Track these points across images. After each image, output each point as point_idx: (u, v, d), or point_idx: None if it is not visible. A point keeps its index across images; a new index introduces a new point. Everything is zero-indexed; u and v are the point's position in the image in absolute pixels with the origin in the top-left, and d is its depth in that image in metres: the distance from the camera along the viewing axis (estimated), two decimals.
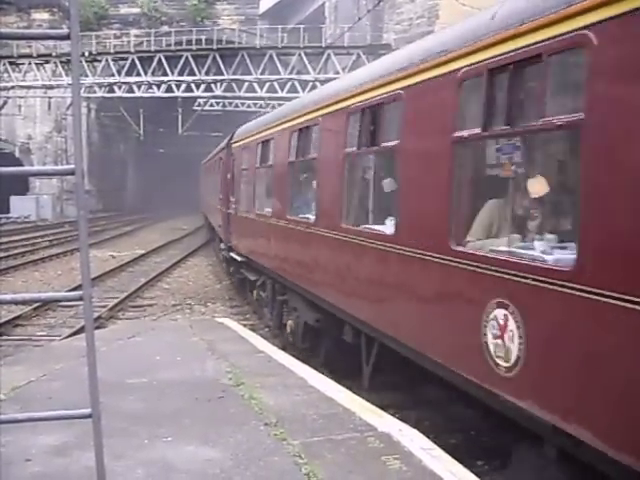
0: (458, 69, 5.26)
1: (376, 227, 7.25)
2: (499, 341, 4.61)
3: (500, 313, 4.62)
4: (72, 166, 2.00)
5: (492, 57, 4.81)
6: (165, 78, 38.86)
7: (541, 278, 4.22)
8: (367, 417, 5.59)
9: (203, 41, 39.33)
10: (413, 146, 6.28)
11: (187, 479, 4.37)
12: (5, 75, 39.48)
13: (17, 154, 50.79)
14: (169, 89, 39.63)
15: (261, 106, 43.09)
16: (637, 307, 3.46)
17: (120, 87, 40.14)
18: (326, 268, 8.72)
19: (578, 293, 3.86)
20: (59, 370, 7.35)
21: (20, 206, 46.20)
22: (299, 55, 36.40)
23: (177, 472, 4.48)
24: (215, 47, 38.40)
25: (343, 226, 7.91)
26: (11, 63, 39.26)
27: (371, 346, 7.36)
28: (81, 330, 12.20)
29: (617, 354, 3.69)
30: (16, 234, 34.77)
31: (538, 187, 4.86)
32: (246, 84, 38.19)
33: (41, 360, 8.13)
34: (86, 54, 37.75)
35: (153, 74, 38.80)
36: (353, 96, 7.62)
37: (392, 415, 6.02)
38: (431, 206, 5.81)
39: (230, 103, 48.01)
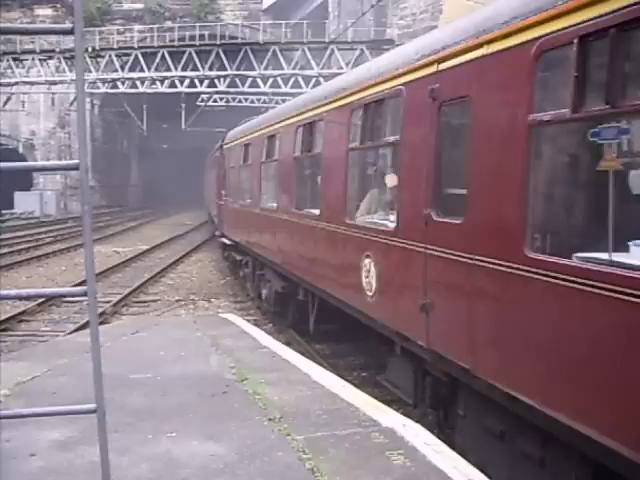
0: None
1: (312, 210, 9.95)
2: (367, 279, 7.37)
3: (367, 261, 7.39)
4: (76, 161, 2.00)
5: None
6: (168, 74, 38.82)
7: (383, 238, 7.03)
8: (371, 412, 5.59)
9: (206, 36, 39.31)
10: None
11: (191, 474, 4.37)
12: (9, 71, 39.47)
13: (21, 150, 50.85)
14: (172, 84, 39.58)
15: (265, 101, 43.03)
16: (414, 246, 6.25)
17: (123, 83, 40.11)
18: (286, 245, 11.69)
19: (394, 244, 6.73)
20: (63, 365, 7.36)
21: (24, 202, 46.27)
22: (302, 50, 36.35)
23: (181, 467, 4.48)
24: (218, 42, 38.35)
25: (294, 211, 10.81)
26: (14, 59, 39.24)
27: (314, 300, 10.49)
28: (85, 325, 12.23)
29: (413, 275, 6.34)
30: (20, 230, 34.85)
31: (390, 181, 7.28)
32: (249, 79, 38.12)
33: (45, 355, 8.14)
34: (89, 50, 37.75)
35: (156, 70, 38.76)
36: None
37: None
38: (336, 194, 8.79)
39: (234, 98, 47.95)
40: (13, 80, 39.79)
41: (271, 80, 37.35)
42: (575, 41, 3.97)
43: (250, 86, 38.58)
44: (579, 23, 3.98)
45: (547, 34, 4.26)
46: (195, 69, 38.15)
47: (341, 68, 32.31)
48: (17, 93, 43.67)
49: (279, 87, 37.11)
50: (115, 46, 40.28)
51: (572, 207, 4.91)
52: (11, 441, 4.78)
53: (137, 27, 45.65)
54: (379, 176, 8.06)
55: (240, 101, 47.63)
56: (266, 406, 5.79)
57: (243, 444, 4.89)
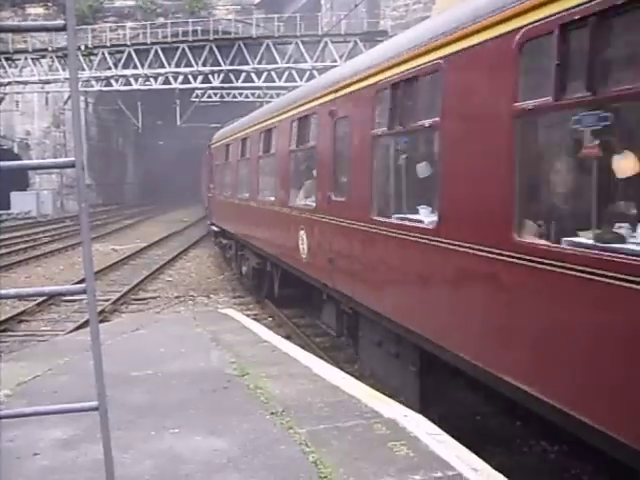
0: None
1: (270, 198, 12.83)
2: (302, 246, 10.11)
3: (302, 232, 10.14)
4: (72, 159, 2.00)
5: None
6: (162, 70, 38.76)
7: (309, 215, 9.75)
8: (373, 404, 5.60)
9: (199, 32, 39.25)
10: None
11: (195, 469, 4.38)
12: (1, 71, 39.40)
13: (16, 150, 50.76)
14: (166, 81, 39.52)
15: (259, 96, 42.99)
16: (323, 218, 9.05)
17: (117, 80, 40.03)
18: (256, 228, 14.45)
19: (314, 218, 9.41)
20: (64, 364, 7.37)
21: (21, 202, 46.21)
22: (296, 44, 36.29)
23: (185, 463, 4.49)
24: (211, 38, 38.29)
25: (259, 199, 13.82)
26: (7, 59, 39.17)
27: (277, 270, 13.24)
28: (85, 324, 12.23)
29: (325, 239, 9.03)
30: (17, 230, 34.81)
31: (314, 174, 9.80)
32: (243, 74, 38.07)
33: (46, 355, 8.15)
34: (82, 48, 37.66)
35: (150, 66, 38.69)
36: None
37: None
38: (283, 184, 11.72)
39: (228, 94, 47.92)
40: (6, 80, 39.71)
41: (265, 74, 37.32)
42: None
43: (244, 81, 38.53)
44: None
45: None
46: (189, 65, 38.10)
47: (335, 61, 32.27)
48: (11, 93, 43.61)
49: (273, 81, 37.07)
50: (108, 44, 40.18)
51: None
52: (14, 441, 4.79)
53: (129, 24, 45.55)
54: (309, 171, 10.54)
55: (234, 96, 47.60)
56: (268, 400, 5.80)
57: (246, 438, 4.90)
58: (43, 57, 39.34)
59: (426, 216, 6.21)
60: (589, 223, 4.11)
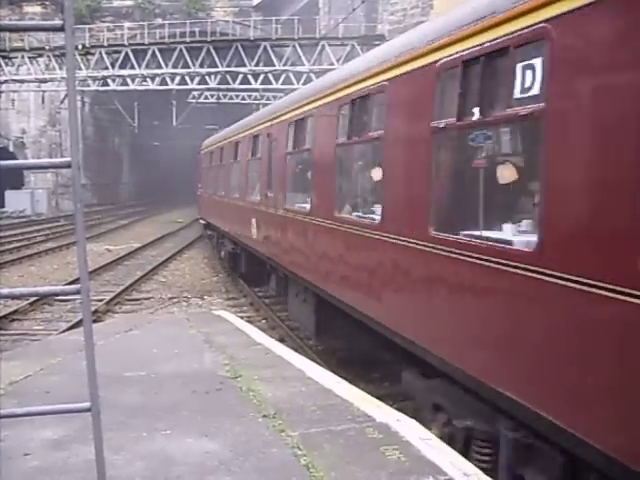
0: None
1: (235, 194, 17.02)
2: (254, 229, 14.02)
3: (253, 220, 14.13)
4: (68, 159, 1.99)
5: None
6: (159, 71, 38.73)
7: (257, 207, 13.59)
8: (365, 408, 5.60)
9: (197, 33, 39.22)
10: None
11: (186, 471, 4.37)
12: None
13: (11, 148, 50.60)
14: (163, 82, 39.50)
15: (256, 98, 43.02)
16: (262, 207, 13.43)
17: (114, 80, 39.98)
18: (228, 219, 18.69)
19: (260, 209, 13.39)
20: (56, 364, 7.35)
21: (15, 201, 46.04)
22: (293, 46, 36.33)
23: (176, 464, 4.48)
24: (209, 39, 38.29)
25: (230, 196, 17.74)
26: (4, 57, 39.06)
27: (244, 253, 17.04)
28: (78, 324, 12.20)
29: (262, 221, 13.42)
30: (11, 229, 34.71)
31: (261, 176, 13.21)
32: (240, 76, 38.07)
33: (38, 354, 8.12)
34: (79, 47, 37.59)
35: (147, 67, 38.66)
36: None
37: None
38: (242, 184, 15.99)
39: (225, 95, 47.94)
40: (3, 78, 39.61)
41: (262, 76, 37.34)
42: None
43: (241, 83, 38.55)
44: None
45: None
46: (186, 66, 38.08)
47: (332, 64, 32.31)
48: (7, 91, 43.48)
49: (270, 83, 37.12)
50: (105, 43, 40.13)
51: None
52: (5, 441, 4.77)
53: (127, 24, 45.48)
54: (259, 175, 13.86)
55: (231, 98, 47.64)
56: (260, 403, 5.79)
57: (238, 441, 4.89)
58: (40, 56, 39.26)
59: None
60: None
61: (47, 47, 38.66)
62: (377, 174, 7.20)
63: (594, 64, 3.92)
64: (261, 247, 13.56)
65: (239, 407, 5.72)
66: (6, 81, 39.98)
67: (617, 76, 3.76)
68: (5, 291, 2.13)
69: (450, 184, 5.97)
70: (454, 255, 5.22)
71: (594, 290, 3.68)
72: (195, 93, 46.94)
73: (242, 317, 12.38)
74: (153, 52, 38.32)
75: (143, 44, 39.42)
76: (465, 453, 5.05)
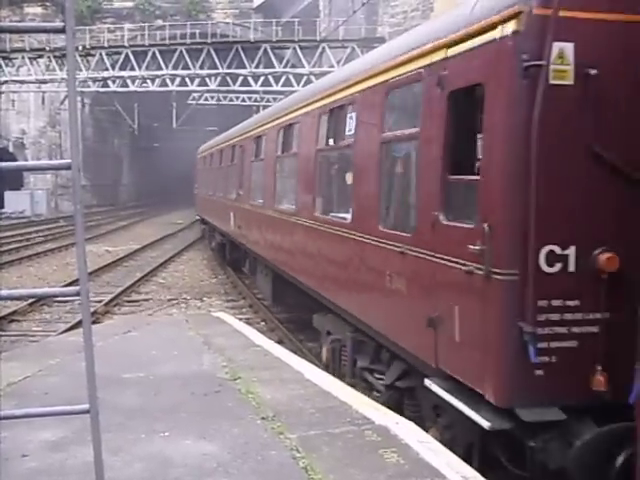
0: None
1: (219, 193, 20.68)
2: (232, 221, 17.67)
3: (231, 213, 17.61)
4: (68, 161, 1.99)
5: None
6: (159, 72, 38.77)
7: (236, 203, 16.65)
8: (364, 410, 5.60)
9: (197, 35, 39.25)
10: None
11: (184, 473, 4.37)
12: None
13: (11, 149, 50.61)
14: (163, 83, 39.52)
15: (256, 100, 43.03)
16: (238, 203, 16.73)
17: (114, 81, 40.01)
18: (216, 214, 21.81)
19: (234, 204, 16.97)
20: (55, 365, 7.34)
21: (14, 201, 46.05)
22: (293, 49, 36.37)
23: (174, 466, 4.48)
24: (209, 41, 38.32)
25: (216, 194, 21.14)
26: (4, 58, 39.09)
27: (228, 243, 20.16)
28: (77, 325, 12.19)
29: (235, 214, 17.22)
30: (11, 229, 34.68)
31: (236, 178, 16.79)
32: (240, 78, 38.11)
33: (37, 355, 8.11)
34: (80, 48, 37.64)
35: (147, 68, 38.70)
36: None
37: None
38: (226, 185, 19.18)
39: (225, 97, 47.93)
40: (3, 79, 39.63)
41: (262, 78, 37.37)
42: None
43: (241, 84, 38.58)
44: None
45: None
46: (186, 67, 38.12)
47: (332, 66, 32.33)
48: (7, 92, 43.49)
49: (270, 85, 37.14)
50: (105, 45, 40.19)
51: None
52: (3, 442, 4.76)
53: (127, 25, 45.49)
54: (235, 176, 16.95)
55: (231, 100, 47.62)
56: (259, 405, 5.79)
57: (236, 443, 4.89)
58: (40, 57, 39.30)
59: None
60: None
61: (47, 48, 38.68)
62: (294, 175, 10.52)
63: (365, 120, 7.27)
64: (236, 236, 17.31)
65: (238, 409, 5.71)
66: (6, 82, 40.01)
67: (371, 128, 7.06)
68: (4, 292, 2.13)
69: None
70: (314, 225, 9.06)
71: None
72: (195, 95, 46.94)
73: (241, 319, 12.37)
74: (153, 53, 38.35)
75: (143, 45, 39.46)
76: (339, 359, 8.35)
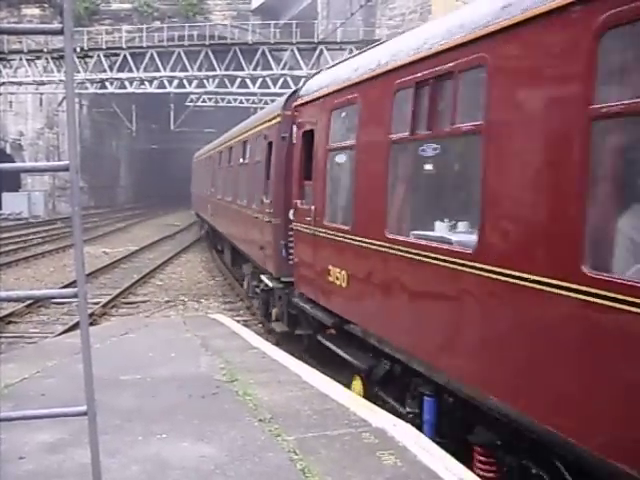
0: None
1: (204, 191, 26.62)
2: (209, 211, 24.84)
3: (209, 205, 24.88)
4: (66, 162, 1.99)
5: None
6: (157, 74, 38.74)
7: (210, 198, 23.72)
8: (361, 413, 5.60)
9: (195, 37, 39.23)
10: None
11: (182, 475, 4.36)
12: None
13: (8, 150, 50.56)
14: (161, 85, 39.49)
15: (254, 102, 43.03)
16: (218, 199, 21.07)
17: (112, 83, 39.97)
18: (202, 208, 28.28)
19: (211, 199, 23.23)
20: (52, 367, 7.34)
21: (12, 203, 45.94)
22: (291, 51, 36.36)
23: (172, 468, 4.47)
24: (207, 43, 38.30)
25: (202, 192, 27.73)
26: (1, 59, 39.03)
27: (212, 231, 25.39)
28: (74, 327, 12.18)
29: (210, 206, 24.13)
30: (8, 231, 34.60)
31: (214, 179, 22.81)
32: (238, 80, 38.09)
33: (34, 357, 8.11)
34: (78, 50, 37.58)
35: (145, 70, 38.67)
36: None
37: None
38: (210, 184, 23.90)
39: (223, 99, 47.93)
40: (0, 80, 39.56)
41: (260, 80, 37.34)
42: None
43: (239, 86, 38.56)
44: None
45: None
46: (184, 69, 38.09)
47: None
48: (4, 93, 43.42)
49: (268, 87, 37.11)
50: (103, 46, 40.12)
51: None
52: (0, 444, 4.75)
53: (125, 27, 45.43)
54: (212, 178, 22.50)
55: (229, 101, 47.62)
56: (256, 407, 5.79)
57: (234, 445, 4.89)
58: (38, 58, 39.24)
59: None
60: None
61: (45, 49, 38.65)
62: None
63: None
64: (214, 224, 23.24)
65: (235, 411, 5.71)
66: (4, 83, 39.94)
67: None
68: (2, 294, 2.13)
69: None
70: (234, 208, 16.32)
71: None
72: (193, 97, 46.95)
73: (238, 321, 12.37)
74: (151, 55, 38.32)
75: (141, 47, 39.42)
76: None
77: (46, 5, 50.45)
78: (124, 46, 39.75)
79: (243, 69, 36.84)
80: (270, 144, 11.85)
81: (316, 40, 36.22)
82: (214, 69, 37.53)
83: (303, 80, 12.29)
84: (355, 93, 7.31)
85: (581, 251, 3.76)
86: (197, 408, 5.82)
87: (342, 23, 30.73)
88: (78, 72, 37.53)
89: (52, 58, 38.35)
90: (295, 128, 9.89)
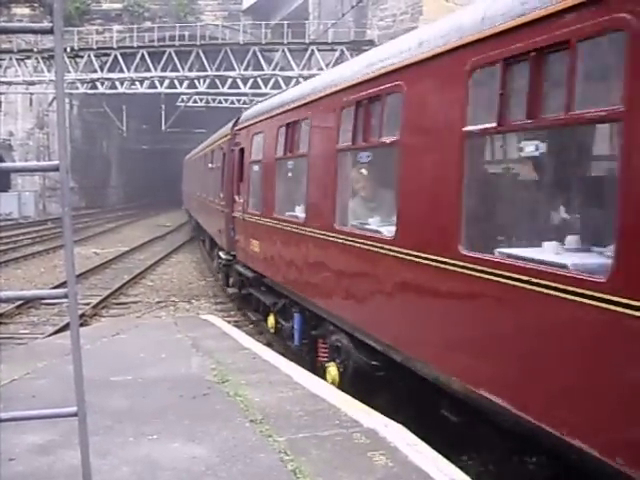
0: None
1: (196, 193, 26.96)
2: (193, 204, 30.60)
3: (194, 203, 30.26)
4: (56, 162, 1.98)
5: None
6: (148, 74, 38.67)
7: (198, 197, 25.64)
8: (352, 413, 5.60)
9: (186, 37, 39.20)
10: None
11: (173, 476, 4.35)
12: None
13: None
14: (152, 85, 39.42)
15: (245, 102, 42.96)
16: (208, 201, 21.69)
17: (103, 83, 39.87)
18: (191, 204, 31.93)
19: (199, 198, 25.27)
20: (43, 368, 7.30)
21: (2, 203, 45.67)
22: (283, 51, 36.39)
23: (162, 470, 4.46)
24: (198, 43, 38.28)
25: (192, 191, 30.67)
26: None
27: (197, 225, 28.11)
28: (64, 328, 12.13)
29: (200, 205, 25.73)
30: None
31: (202, 182, 24.41)
32: (230, 80, 38.07)
33: (24, 358, 8.07)
34: (68, 50, 37.49)
35: (136, 70, 38.60)
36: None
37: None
38: (199, 186, 25.64)
39: (214, 99, 47.83)
40: None
41: (251, 81, 37.34)
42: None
43: (230, 87, 38.53)
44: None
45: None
46: (175, 70, 38.04)
47: (321, 69, 32.33)
48: None
49: (259, 88, 37.09)
50: (94, 46, 40.07)
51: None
52: None
53: (116, 27, 45.38)
54: (201, 181, 24.03)
55: (220, 102, 47.52)
56: (247, 408, 5.78)
57: (225, 446, 4.88)
58: (28, 58, 39.11)
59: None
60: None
61: (35, 49, 38.54)
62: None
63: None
64: (195, 216, 28.16)
65: (226, 412, 5.70)
66: None
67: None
68: None
69: None
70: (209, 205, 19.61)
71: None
72: (184, 97, 46.82)
73: (229, 321, 12.36)
74: (142, 55, 38.26)
75: (132, 47, 39.35)
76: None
77: (36, 4, 50.20)
78: (115, 46, 39.68)
79: (234, 69, 36.84)
80: (224, 154, 15.78)
81: (307, 41, 36.27)
82: (205, 69, 37.50)
83: (243, 111, 15.83)
84: (260, 127, 11.11)
85: (459, 235, 4.80)
86: (188, 409, 5.80)
87: (333, 24, 30.79)
88: (68, 72, 37.42)
89: (42, 58, 38.23)
90: (234, 145, 13.88)
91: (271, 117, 10.19)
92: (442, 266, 4.97)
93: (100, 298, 15.93)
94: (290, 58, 35.91)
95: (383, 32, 33.80)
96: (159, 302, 16.29)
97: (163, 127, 49.30)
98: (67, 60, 37.39)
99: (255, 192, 11.66)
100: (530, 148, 4.73)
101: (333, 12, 36.46)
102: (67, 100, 46.59)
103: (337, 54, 34.47)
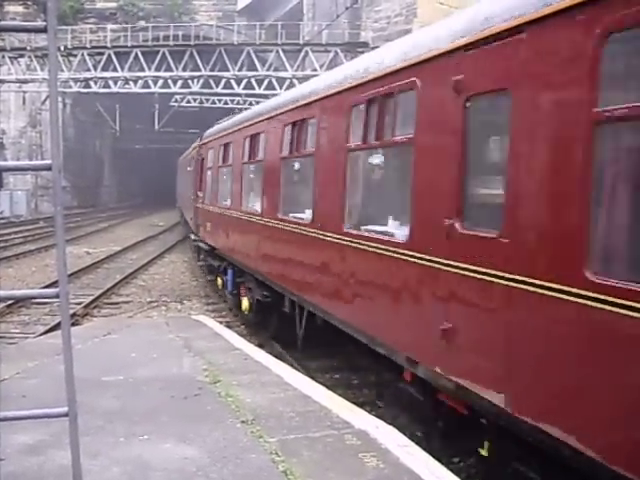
0: None
1: (188, 193, 26.28)
2: (182, 200, 34.73)
3: (182, 196, 35.10)
4: (49, 161, 1.98)
5: None
6: (142, 74, 38.58)
7: (190, 196, 23.39)
8: (344, 414, 5.60)
9: (180, 37, 39.12)
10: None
11: (164, 477, 4.34)
12: None
13: None
14: (146, 85, 39.33)
15: (238, 102, 42.95)
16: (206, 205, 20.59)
17: (96, 82, 39.75)
18: (182, 201, 33.71)
19: (185, 194, 30.40)
20: (34, 368, 7.28)
21: None
22: (277, 52, 36.37)
23: (153, 470, 4.45)
24: (192, 43, 38.23)
25: (183, 190, 32.22)
26: None
27: (187, 221, 28.39)
28: (55, 327, 12.09)
29: (191, 205, 24.60)
30: None
31: (194, 183, 22.29)
32: (223, 80, 38.02)
33: (15, 358, 8.03)
34: (62, 49, 37.35)
35: (130, 69, 38.51)
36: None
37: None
38: (191, 186, 22.98)
39: (207, 99, 47.80)
40: None
41: (245, 81, 37.30)
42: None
43: (224, 87, 38.49)
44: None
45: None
46: (169, 69, 37.98)
47: (315, 70, 32.36)
48: None
49: (253, 88, 37.08)
50: (88, 45, 39.93)
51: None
52: None
53: (110, 26, 45.20)
54: (192, 181, 22.29)
55: (214, 102, 47.49)
56: (239, 408, 5.78)
57: (216, 447, 4.87)
58: (21, 56, 38.97)
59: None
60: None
61: (28, 47, 38.39)
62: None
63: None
64: (183, 211, 31.08)
65: (218, 412, 5.70)
66: None
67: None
68: None
69: None
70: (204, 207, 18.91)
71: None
72: (177, 97, 46.80)
73: (221, 322, 12.34)
74: (136, 55, 38.17)
75: (126, 47, 39.25)
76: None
77: (30, 3, 50.06)
78: (109, 45, 39.58)
79: (228, 70, 36.79)
80: (195, 161, 20.56)
81: (301, 41, 36.26)
82: (199, 69, 37.45)
83: (236, 112, 19.64)
84: (213, 144, 15.95)
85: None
86: (179, 409, 5.80)
87: (327, 25, 30.77)
88: (62, 71, 37.31)
89: (35, 56, 38.09)
90: (199, 155, 18.82)
91: (220, 137, 14.78)
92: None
93: (92, 298, 15.89)
94: (284, 59, 35.90)
95: (377, 34, 33.85)
96: (151, 302, 16.26)
97: (156, 127, 49.21)
98: (60, 59, 37.27)
99: (209, 189, 16.78)
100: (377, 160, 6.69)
101: (327, 13, 36.46)
102: (60, 99, 46.44)
103: (331, 55, 34.50)
